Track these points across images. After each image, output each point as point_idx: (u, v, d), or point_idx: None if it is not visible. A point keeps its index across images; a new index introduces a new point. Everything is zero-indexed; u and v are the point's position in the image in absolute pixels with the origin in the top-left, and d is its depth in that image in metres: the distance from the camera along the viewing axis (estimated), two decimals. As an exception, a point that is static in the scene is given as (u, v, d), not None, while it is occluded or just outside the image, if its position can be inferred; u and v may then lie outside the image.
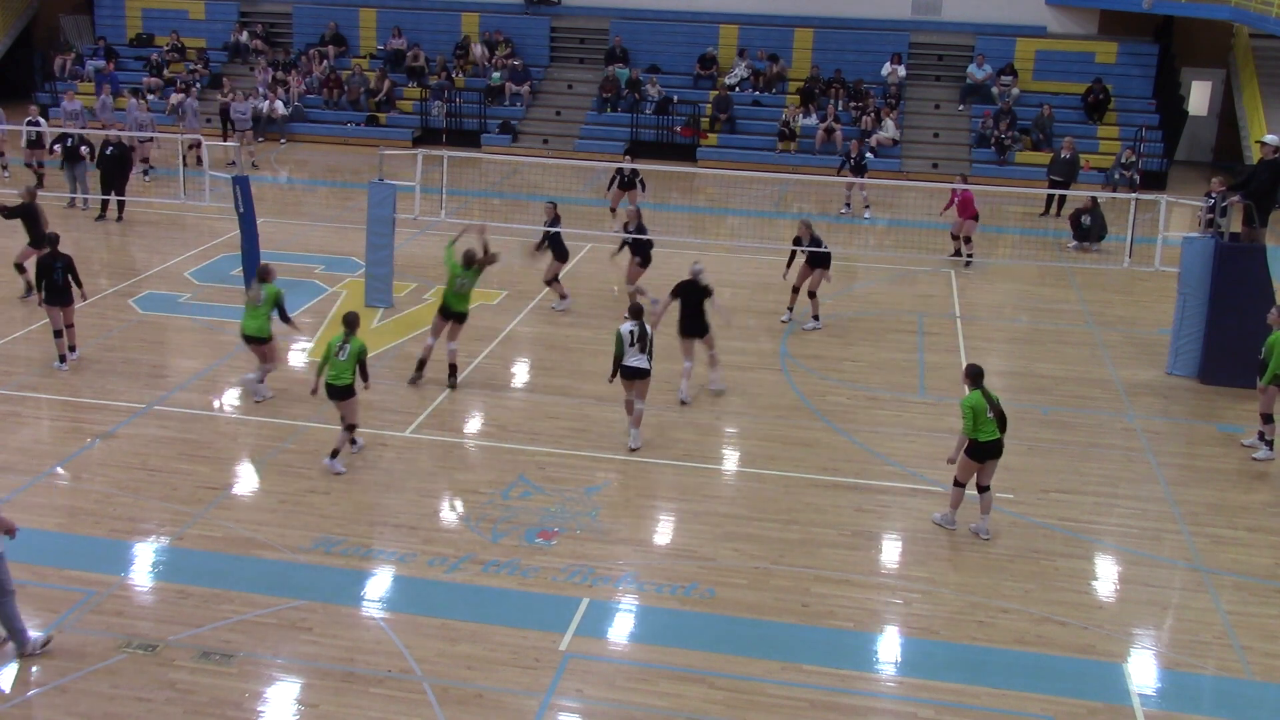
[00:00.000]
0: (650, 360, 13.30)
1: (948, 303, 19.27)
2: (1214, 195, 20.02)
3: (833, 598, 10.66)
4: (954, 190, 21.30)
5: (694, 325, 14.87)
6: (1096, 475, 13.32)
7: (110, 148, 21.99)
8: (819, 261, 17.39)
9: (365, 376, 12.80)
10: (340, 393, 12.63)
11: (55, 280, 14.99)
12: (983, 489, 11.74)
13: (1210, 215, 19.76)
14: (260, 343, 14.28)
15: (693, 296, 14.75)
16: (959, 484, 11.80)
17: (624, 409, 13.76)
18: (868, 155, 24.93)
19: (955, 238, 21.50)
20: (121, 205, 22.36)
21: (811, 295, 17.55)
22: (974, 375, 11.59)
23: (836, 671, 9.61)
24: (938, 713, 9.18)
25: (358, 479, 12.58)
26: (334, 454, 12.71)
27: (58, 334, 15.22)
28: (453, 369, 15.02)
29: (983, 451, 11.50)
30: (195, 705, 8.94)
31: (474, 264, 14.83)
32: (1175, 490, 12.99)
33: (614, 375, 13.37)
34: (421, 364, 15.05)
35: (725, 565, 11.12)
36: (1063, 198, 24.95)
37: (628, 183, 22.31)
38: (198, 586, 10.47)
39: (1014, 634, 10.21)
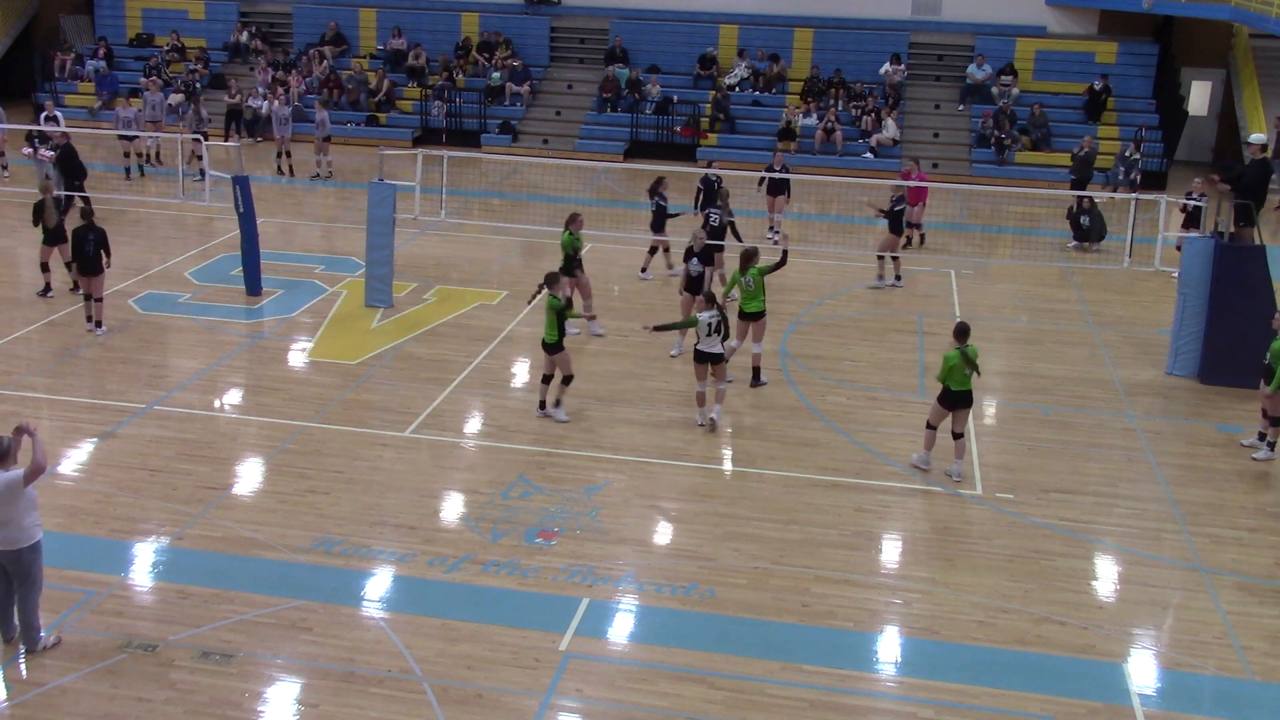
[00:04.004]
0: (724, 345, 13.92)
1: (948, 303, 19.27)
2: (1196, 194, 20.26)
3: (833, 598, 10.66)
4: (905, 173, 21.70)
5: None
6: (1096, 475, 13.31)
7: (58, 148, 21.82)
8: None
9: (563, 332, 13.87)
10: (550, 348, 13.83)
11: (87, 251, 16.35)
12: (956, 435, 12.89)
13: (1196, 214, 20.09)
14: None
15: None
16: (930, 426, 12.99)
17: (695, 400, 14.13)
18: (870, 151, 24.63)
19: (911, 225, 21.78)
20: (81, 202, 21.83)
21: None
22: (958, 333, 12.63)
23: (836, 671, 9.61)
24: (938, 713, 9.18)
25: (358, 479, 12.58)
26: (556, 403, 14.05)
27: (87, 298, 16.60)
28: (756, 370, 15.28)
29: (953, 399, 12.73)
30: (195, 705, 8.94)
31: (751, 262, 14.95)
32: (1175, 490, 12.99)
33: (659, 329, 14.32)
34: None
35: (725, 565, 11.12)
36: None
37: (777, 187, 21.80)
38: (198, 586, 10.47)
39: (1014, 634, 10.21)
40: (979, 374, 12.77)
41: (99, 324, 16.50)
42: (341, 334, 16.87)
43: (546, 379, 14.14)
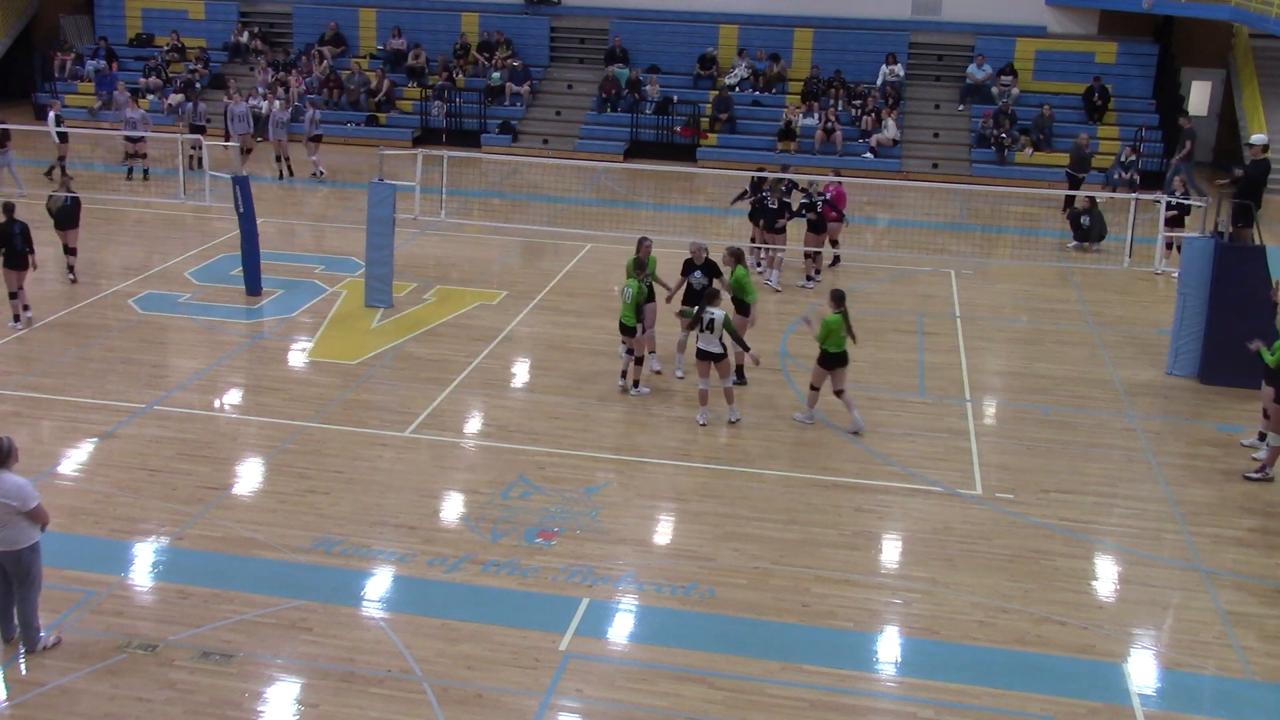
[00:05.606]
0: (723, 345, 13.98)
1: (948, 303, 19.27)
2: (1176, 194, 20.29)
3: (833, 598, 10.66)
4: (826, 185, 20.49)
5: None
6: (1096, 475, 13.31)
7: None
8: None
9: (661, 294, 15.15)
10: (628, 331, 14.69)
11: (15, 246, 16.22)
12: (838, 393, 14.01)
13: (1173, 213, 20.15)
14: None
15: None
16: (814, 388, 14.16)
17: (697, 398, 14.32)
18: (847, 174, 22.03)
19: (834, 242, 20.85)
20: None
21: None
22: (836, 299, 13.88)
23: (836, 671, 9.61)
24: (938, 713, 9.18)
25: (358, 479, 12.58)
26: (635, 383, 14.90)
27: (12, 295, 16.45)
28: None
29: (831, 360, 13.87)
30: (195, 705, 8.94)
31: (740, 262, 15.40)
32: (1175, 490, 12.99)
33: (682, 313, 15.12)
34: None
35: (725, 565, 11.12)
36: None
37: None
38: (198, 586, 10.47)
39: (1014, 634, 10.21)
40: (854, 339, 13.94)
41: (26, 307, 16.52)
42: (341, 334, 16.87)
43: (639, 360, 14.95)
